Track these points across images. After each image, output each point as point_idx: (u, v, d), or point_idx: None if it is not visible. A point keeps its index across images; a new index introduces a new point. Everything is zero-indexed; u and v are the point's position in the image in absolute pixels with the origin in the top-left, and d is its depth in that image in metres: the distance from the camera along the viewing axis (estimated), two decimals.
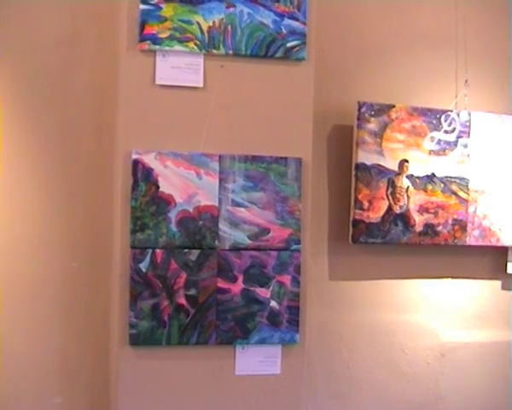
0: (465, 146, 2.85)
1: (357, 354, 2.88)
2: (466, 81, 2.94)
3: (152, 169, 2.35)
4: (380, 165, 2.74)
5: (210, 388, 2.43)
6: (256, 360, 2.47)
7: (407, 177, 2.77)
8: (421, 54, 2.93)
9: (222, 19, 2.39)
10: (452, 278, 2.98)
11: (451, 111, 2.84)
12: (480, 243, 2.88)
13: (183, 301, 2.38)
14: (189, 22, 2.37)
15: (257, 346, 2.46)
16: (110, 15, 2.53)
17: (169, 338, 2.37)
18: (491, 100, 3.01)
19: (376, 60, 2.88)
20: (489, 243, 2.90)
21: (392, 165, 2.76)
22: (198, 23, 2.38)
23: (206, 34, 2.38)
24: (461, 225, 2.84)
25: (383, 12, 2.89)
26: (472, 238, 2.86)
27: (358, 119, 2.72)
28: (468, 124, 2.86)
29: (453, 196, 2.83)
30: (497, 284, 3.06)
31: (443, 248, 2.89)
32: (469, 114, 2.87)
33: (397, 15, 2.91)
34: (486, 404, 3.03)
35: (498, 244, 2.92)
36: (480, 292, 3.03)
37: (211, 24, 2.38)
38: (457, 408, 3.00)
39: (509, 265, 3.00)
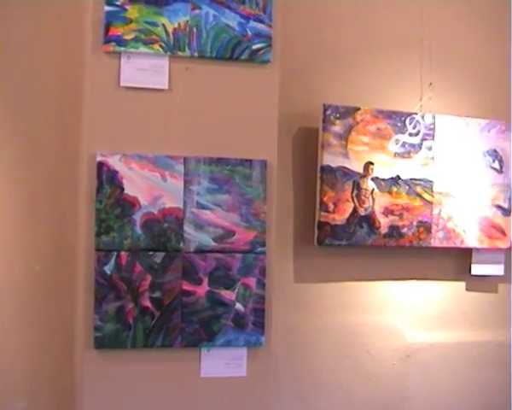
0: (429, 149, 2.87)
1: (323, 355, 2.89)
2: (430, 84, 2.97)
3: (117, 171, 2.34)
4: (345, 167, 2.75)
5: (175, 390, 2.43)
6: (222, 363, 2.46)
7: (372, 179, 2.79)
8: (387, 57, 2.95)
9: (187, 21, 2.39)
10: (417, 279, 3.00)
11: (416, 114, 2.86)
12: (445, 244, 2.90)
13: (148, 303, 2.37)
14: (154, 24, 2.36)
15: (222, 348, 2.45)
16: (75, 17, 2.51)
17: (134, 341, 2.36)
18: (456, 103, 3.04)
19: (342, 62, 2.90)
20: (453, 245, 2.92)
21: (358, 167, 2.77)
22: (163, 25, 2.37)
23: (171, 36, 2.37)
24: (425, 227, 2.86)
25: (348, 15, 2.91)
26: (436, 240, 2.88)
27: (324, 121, 2.73)
28: (432, 127, 2.88)
29: (418, 199, 2.85)
30: (462, 285, 3.08)
31: (408, 249, 2.90)
32: (434, 117, 2.89)
33: (362, 19, 2.93)
34: (451, 404, 3.06)
35: (462, 246, 2.94)
36: (444, 293, 3.05)
37: (176, 26, 2.38)
38: (423, 408, 3.02)
39: (473, 266, 3.03)
